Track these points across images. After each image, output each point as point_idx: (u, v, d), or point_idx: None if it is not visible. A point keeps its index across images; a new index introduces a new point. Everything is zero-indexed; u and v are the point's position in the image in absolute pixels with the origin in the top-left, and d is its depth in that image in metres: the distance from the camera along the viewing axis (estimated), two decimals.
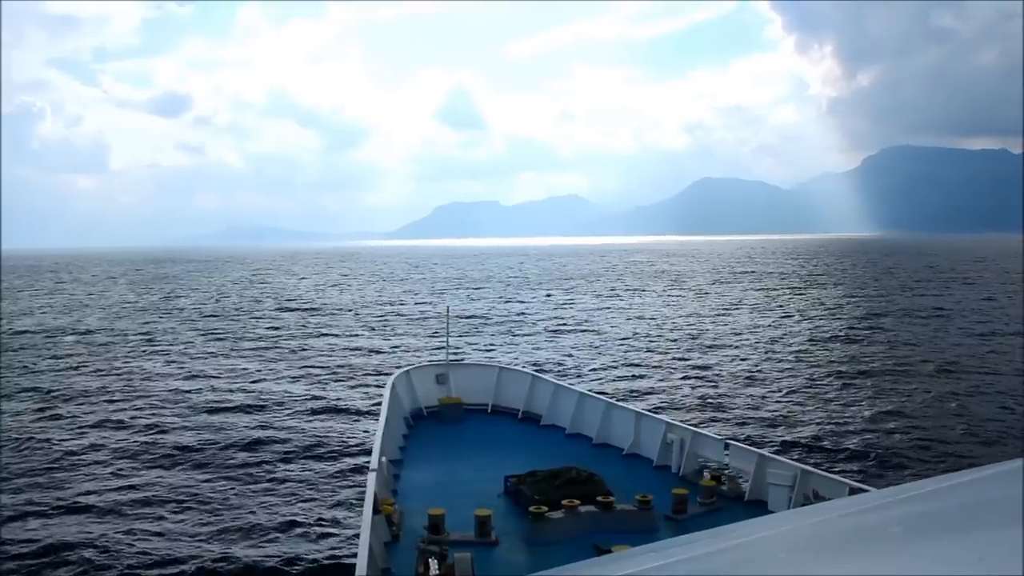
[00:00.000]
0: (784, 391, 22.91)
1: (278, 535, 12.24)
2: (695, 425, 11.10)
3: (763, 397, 22.11)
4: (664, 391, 23.15)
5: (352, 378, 25.76)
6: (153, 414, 20.67)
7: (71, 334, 38.67)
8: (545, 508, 7.17)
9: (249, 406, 21.43)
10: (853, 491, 6.81)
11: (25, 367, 28.66)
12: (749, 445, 9.57)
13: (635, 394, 22.40)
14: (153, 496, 14.04)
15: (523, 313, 46.64)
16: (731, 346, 32.03)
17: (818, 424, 19.07)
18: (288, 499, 13.83)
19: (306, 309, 52.14)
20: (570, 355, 30.44)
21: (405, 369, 12.60)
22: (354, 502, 12.95)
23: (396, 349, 32.53)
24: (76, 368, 28.61)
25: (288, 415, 20.32)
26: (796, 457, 14.23)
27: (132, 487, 14.59)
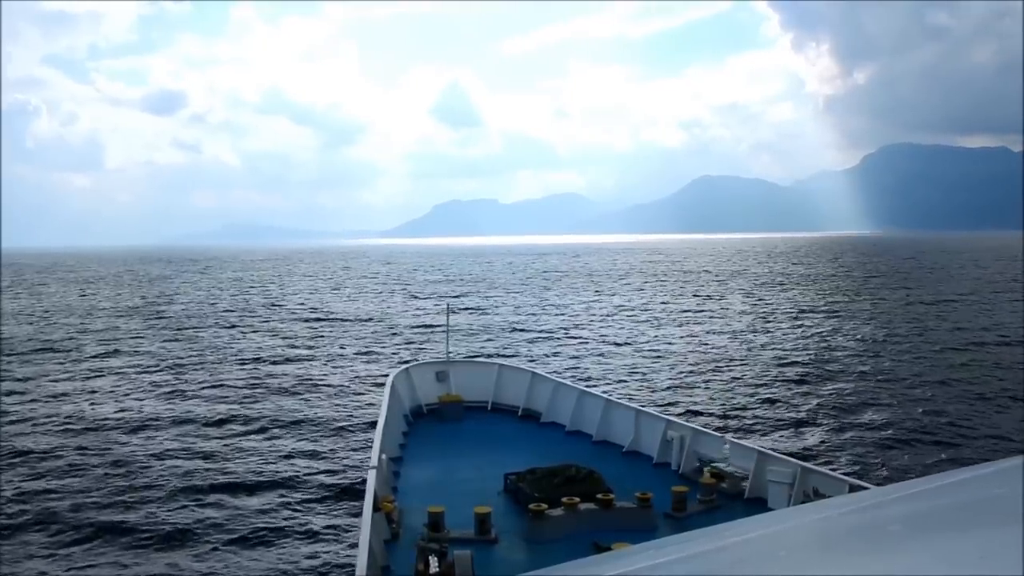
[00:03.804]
0: (785, 389, 22.92)
1: (278, 533, 12.24)
2: (695, 423, 11.10)
3: (763, 395, 22.10)
4: (664, 388, 23.17)
5: (352, 375, 25.76)
6: (145, 411, 20.68)
7: (61, 342, 38.58)
8: (545, 506, 7.16)
9: (247, 404, 21.43)
10: (853, 489, 6.81)
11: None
12: (749, 443, 9.57)
13: (637, 394, 22.42)
14: (147, 494, 14.03)
15: (569, 325, 41.57)
16: (731, 344, 32.05)
17: (819, 422, 19.08)
18: (288, 497, 13.82)
19: (305, 307, 52.14)
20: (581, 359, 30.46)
21: (405, 367, 12.60)
22: (354, 499, 12.96)
23: (396, 347, 32.54)
24: (68, 373, 28.57)
25: (287, 413, 20.30)
26: (796, 455, 14.24)
27: (126, 484, 14.58)
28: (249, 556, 11.44)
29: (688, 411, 19.69)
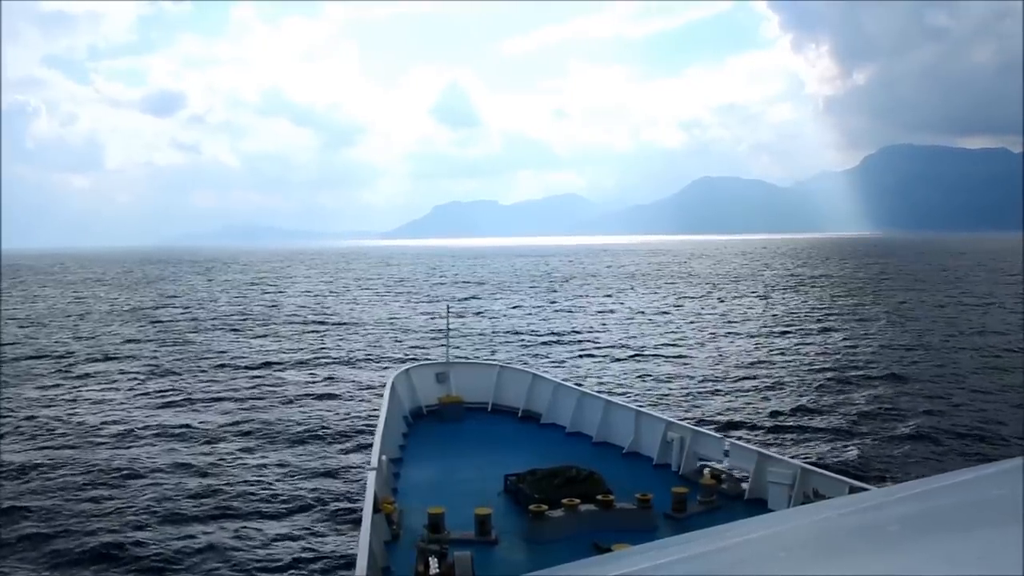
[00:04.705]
0: (785, 390, 22.92)
1: (277, 533, 12.24)
2: (695, 424, 11.09)
3: (764, 396, 22.11)
4: (664, 389, 23.17)
5: (352, 377, 25.76)
6: (140, 415, 20.69)
7: (58, 349, 38.52)
8: (545, 507, 7.15)
9: (247, 406, 21.43)
10: (853, 490, 6.80)
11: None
12: (749, 444, 9.56)
13: (635, 392, 22.42)
14: (143, 495, 14.03)
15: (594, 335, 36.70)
16: (732, 345, 32.05)
17: (819, 423, 19.08)
18: (288, 497, 13.82)
19: (305, 309, 52.15)
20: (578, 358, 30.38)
21: (405, 368, 12.59)
22: (354, 501, 12.95)
23: (396, 348, 32.53)
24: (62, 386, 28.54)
25: (287, 414, 20.30)
26: (796, 456, 14.22)
27: (122, 483, 14.59)
28: (248, 557, 11.43)
29: (693, 413, 19.69)
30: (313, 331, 38.89)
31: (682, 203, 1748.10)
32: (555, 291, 66.10)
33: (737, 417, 19.59)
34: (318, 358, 29.87)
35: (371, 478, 7.24)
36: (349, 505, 13.15)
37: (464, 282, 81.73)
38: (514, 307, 51.14)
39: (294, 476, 15.09)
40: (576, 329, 38.26)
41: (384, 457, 8.16)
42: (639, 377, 25.37)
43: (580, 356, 30.04)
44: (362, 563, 5.54)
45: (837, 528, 2.23)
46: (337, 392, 23.23)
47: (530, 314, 46.42)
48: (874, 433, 18.09)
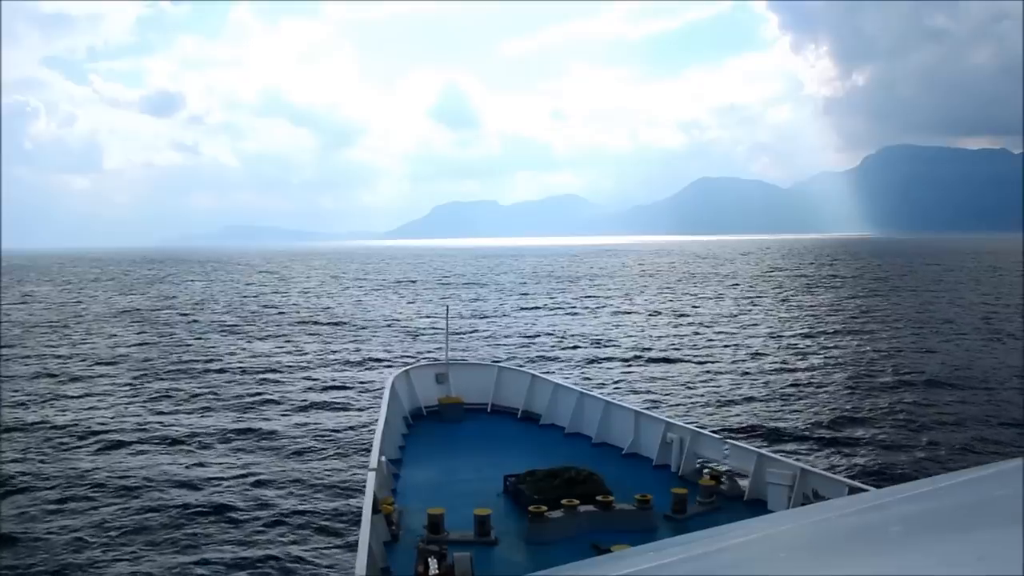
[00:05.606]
0: (785, 391, 22.91)
1: (277, 534, 12.24)
2: (695, 424, 11.09)
3: (764, 397, 22.11)
4: (666, 390, 23.17)
5: (352, 377, 25.75)
6: (135, 418, 20.68)
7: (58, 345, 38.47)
8: (544, 508, 7.14)
9: (247, 406, 21.43)
10: (852, 491, 6.79)
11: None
12: (749, 444, 9.55)
13: (635, 393, 22.41)
14: (143, 496, 14.02)
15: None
16: (734, 346, 32.05)
17: (818, 424, 19.07)
18: (287, 498, 13.82)
19: (305, 310, 52.14)
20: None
21: (404, 368, 12.57)
22: (353, 501, 12.94)
23: (396, 348, 32.52)
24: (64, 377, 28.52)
25: (287, 414, 20.31)
26: (796, 457, 14.21)
27: (122, 483, 14.58)
28: (248, 558, 11.42)
29: (695, 414, 19.68)
30: (313, 332, 38.87)
31: (681, 204, 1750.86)
32: (558, 292, 66.09)
33: (738, 418, 19.59)
34: (318, 359, 29.86)
35: (371, 479, 7.23)
36: (349, 506, 13.14)
37: (465, 283, 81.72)
38: (516, 308, 51.13)
39: (293, 477, 15.08)
40: (578, 331, 38.24)
41: (383, 458, 8.14)
42: (640, 378, 25.37)
43: (583, 359, 29.99)
44: (361, 563, 5.53)
45: (837, 529, 2.22)
46: (336, 393, 23.21)
47: (532, 315, 46.41)
48: (875, 435, 18.10)
